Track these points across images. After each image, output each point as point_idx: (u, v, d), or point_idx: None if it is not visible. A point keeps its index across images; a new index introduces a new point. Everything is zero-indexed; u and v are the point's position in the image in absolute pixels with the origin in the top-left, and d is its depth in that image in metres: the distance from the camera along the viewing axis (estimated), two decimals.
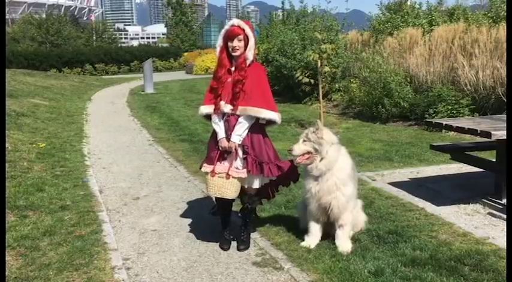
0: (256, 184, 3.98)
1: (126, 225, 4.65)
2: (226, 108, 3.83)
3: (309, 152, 3.81)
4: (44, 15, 42.85)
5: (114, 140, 9.11)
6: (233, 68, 3.87)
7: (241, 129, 3.81)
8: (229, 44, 3.81)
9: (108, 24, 56.30)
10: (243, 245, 4.03)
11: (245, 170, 3.84)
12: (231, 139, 3.81)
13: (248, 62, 3.85)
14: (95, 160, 7.40)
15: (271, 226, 4.43)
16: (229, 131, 3.83)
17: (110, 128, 10.52)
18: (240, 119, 3.81)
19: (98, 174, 6.57)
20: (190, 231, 4.38)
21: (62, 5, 71.15)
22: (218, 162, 3.87)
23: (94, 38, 44.85)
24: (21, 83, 16.65)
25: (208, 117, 3.98)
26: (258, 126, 3.92)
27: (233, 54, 3.83)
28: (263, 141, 3.95)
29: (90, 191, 5.66)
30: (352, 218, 3.97)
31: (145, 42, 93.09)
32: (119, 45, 46.85)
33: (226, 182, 3.83)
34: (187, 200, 5.35)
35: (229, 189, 3.85)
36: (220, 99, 3.84)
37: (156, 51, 35.96)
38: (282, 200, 5.09)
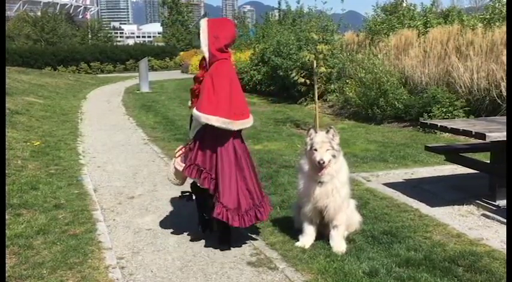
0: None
1: (121, 224, 4.63)
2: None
3: (329, 160, 3.76)
4: (39, 13, 42.70)
5: (109, 138, 9.08)
6: None
7: (192, 128, 4.00)
8: None
9: (104, 22, 56.22)
10: (221, 245, 4.00)
11: (182, 165, 3.99)
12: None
13: (207, 60, 3.87)
14: (90, 159, 7.37)
15: (266, 226, 4.43)
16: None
17: (105, 126, 10.49)
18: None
19: (92, 173, 6.55)
20: (185, 230, 4.37)
21: (58, 3, 70.73)
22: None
23: (89, 36, 44.78)
24: (15, 81, 16.57)
25: None
26: (211, 129, 3.79)
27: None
28: (213, 145, 3.84)
29: (85, 189, 5.64)
30: (346, 218, 3.98)
31: (141, 41, 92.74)
32: (115, 43, 46.77)
33: (171, 168, 4.15)
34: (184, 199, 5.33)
35: (170, 175, 4.15)
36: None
37: (151, 50, 35.93)
38: (277, 200, 5.09)
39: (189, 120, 4.15)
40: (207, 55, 3.85)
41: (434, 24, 12.77)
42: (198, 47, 4.20)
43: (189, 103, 4.21)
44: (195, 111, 3.80)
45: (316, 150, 3.72)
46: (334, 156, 3.76)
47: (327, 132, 3.79)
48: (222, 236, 4.01)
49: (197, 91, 3.97)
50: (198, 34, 3.95)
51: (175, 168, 4.08)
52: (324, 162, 3.69)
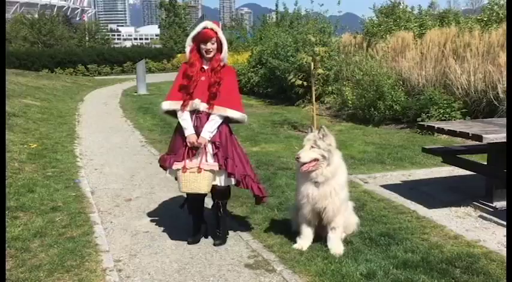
0: (224, 181, 4.03)
1: (118, 226, 4.62)
2: (202, 106, 3.93)
3: (315, 159, 3.74)
4: (36, 15, 42.66)
5: (106, 141, 9.07)
6: (205, 68, 4.00)
7: (213, 127, 3.93)
8: (202, 46, 3.95)
9: (101, 24, 56.21)
10: (218, 240, 4.14)
11: (216, 163, 3.93)
12: (202, 135, 3.90)
13: (222, 64, 4.00)
14: (87, 161, 7.36)
15: (263, 228, 4.43)
16: (200, 127, 3.93)
17: (102, 129, 10.47)
18: (213, 117, 3.93)
19: (89, 175, 6.53)
20: (183, 233, 4.36)
21: (55, 5, 70.81)
22: (187, 159, 3.93)
23: (87, 38, 44.72)
24: (12, 83, 16.51)
25: (170, 113, 4.11)
26: (226, 125, 4.04)
27: (206, 56, 3.98)
28: (230, 139, 4.05)
29: (82, 192, 5.63)
30: (344, 221, 3.98)
31: (138, 43, 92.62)
32: (112, 46, 46.71)
33: (198, 176, 3.88)
34: (180, 201, 5.30)
35: (201, 184, 3.89)
36: (191, 97, 3.94)
37: (149, 52, 35.91)
38: (275, 202, 5.09)
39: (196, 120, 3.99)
40: (226, 61, 4.06)
41: (430, 27, 12.82)
42: None
43: (174, 105, 4.01)
44: (236, 112, 3.98)
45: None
46: (324, 156, 3.73)
47: (318, 131, 3.79)
48: (220, 227, 4.19)
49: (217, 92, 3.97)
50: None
51: (210, 170, 3.90)
52: (299, 158, 3.71)
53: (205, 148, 3.91)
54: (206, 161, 3.91)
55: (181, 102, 3.97)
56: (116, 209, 5.16)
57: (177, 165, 3.94)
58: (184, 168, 3.88)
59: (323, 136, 3.74)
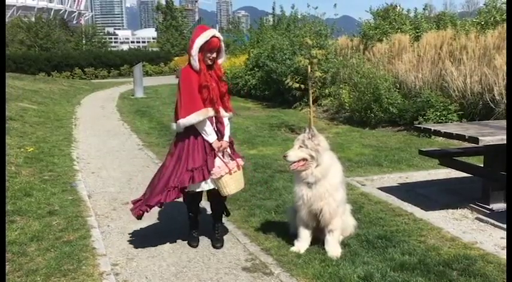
0: None
1: (115, 230, 4.62)
2: (222, 112, 4.08)
3: (304, 159, 3.77)
4: (33, 19, 42.61)
5: (103, 144, 9.06)
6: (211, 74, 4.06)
7: (229, 130, 4.14)
8: (209, 54, 3.96)
9: (98, 28, 56.15)
10: (219, 242, 4.16)
11: (240, 158, 4.16)
12: (225, 139, 4.05)
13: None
14: (84, 165, 7.34)
15: (261, 231, 4.43)
16: (223, 132, 4.07)
17: (99, 132, 10.46)
18: (227, 121, 4.12)
19: (86, 179, 6.52)
20: (180, 236, 4.36)
21: (52, 9, 70.71)
22: (219, 163, 3.97)
23: (84, 41, 44.68)
24: (9, 87, 16.48)
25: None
26: None
27: (209, 63, 4.00)
28: None
29: (79, 195, 5.62)
30: (341, 223, 3.99)
31: (136, 47, 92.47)
32: (109, 49, 46.66)
33: (239, 173, 4.04)
34: (177, 205, 5.31)
35: (243, 180, 4.10)
36: (217, 105, 4.01)
37: (146, 56, 35.87)
38: (272, 205, 5.09)
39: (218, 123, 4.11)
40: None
41: (425, 29, 12.86)
42: None
43: (205, 114, 3.97)
44: (231, 113, 4.24)
45: None
46: (312, 156, 3.76)
47: (308, 131, 3.83)
48: (218, 229, 4.24)
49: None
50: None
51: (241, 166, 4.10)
52: (286, 156, 3.80)
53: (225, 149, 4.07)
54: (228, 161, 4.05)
55: (208, 110, 3.94)
56: (113, 212, 5.15)
57: (220, 171, 3.91)
58: (230, 171, 3.95)
59: (312, 136, 3.78)
